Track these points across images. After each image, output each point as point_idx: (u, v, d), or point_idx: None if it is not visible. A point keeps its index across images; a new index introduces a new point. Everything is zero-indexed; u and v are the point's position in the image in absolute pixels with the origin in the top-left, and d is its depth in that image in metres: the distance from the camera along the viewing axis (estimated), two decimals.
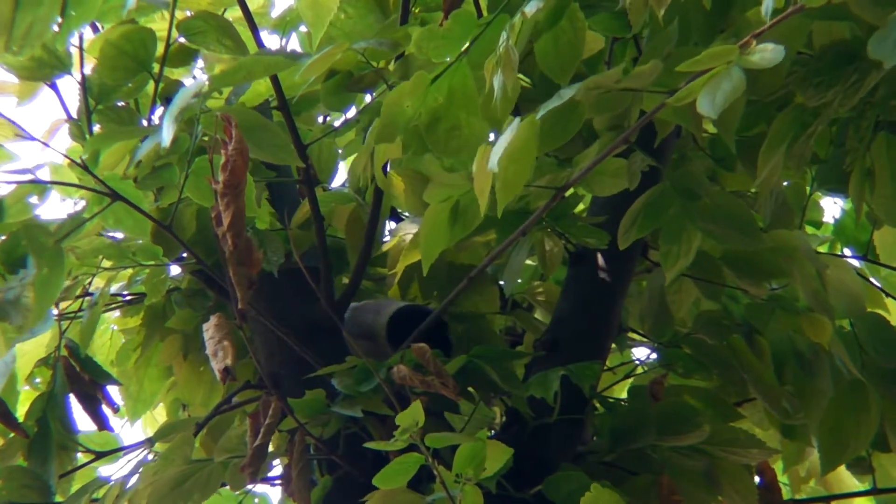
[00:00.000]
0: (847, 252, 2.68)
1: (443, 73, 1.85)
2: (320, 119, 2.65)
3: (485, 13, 2.13)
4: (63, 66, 2.30)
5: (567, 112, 1.80)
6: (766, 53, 1.53)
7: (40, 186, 2.08)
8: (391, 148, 2.02)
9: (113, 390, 2.50)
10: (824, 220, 2.73)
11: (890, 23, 1.57)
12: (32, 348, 2.45)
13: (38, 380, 2.51)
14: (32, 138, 2.14)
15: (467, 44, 1.83)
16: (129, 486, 2.21)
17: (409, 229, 2.45)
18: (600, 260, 2.29)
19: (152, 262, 2.23)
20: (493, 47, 1.76)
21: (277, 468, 2.37)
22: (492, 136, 1.91)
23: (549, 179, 2.02)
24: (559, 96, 1.70)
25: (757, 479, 2.30)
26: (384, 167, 2.25)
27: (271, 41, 2.61)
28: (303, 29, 2.67)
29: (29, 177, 2.05)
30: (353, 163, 2.52)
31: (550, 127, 1.80)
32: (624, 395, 2.43)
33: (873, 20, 1.68)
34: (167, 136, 1.90)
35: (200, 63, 2.46)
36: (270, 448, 2.12)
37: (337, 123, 2.56)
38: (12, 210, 2.07)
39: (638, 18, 1.85)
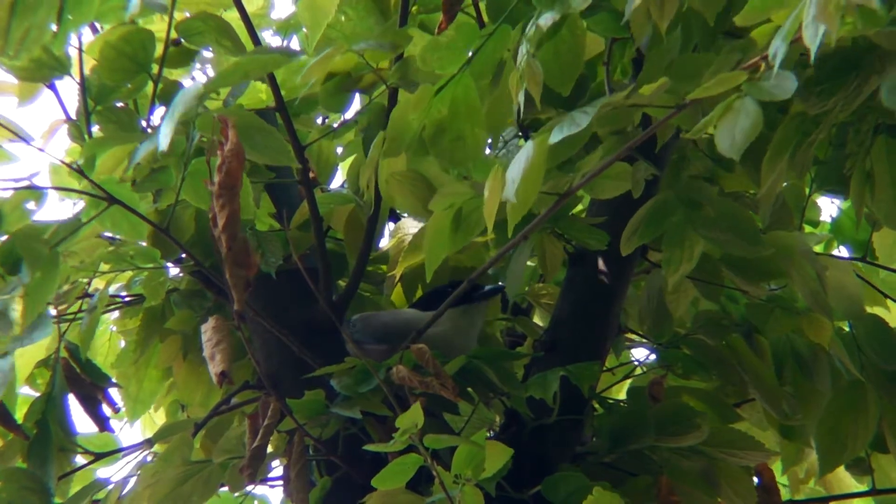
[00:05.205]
0: (844, 251, 2.68)
1: (446, 85, 1.85)
2: (319, 120, 2.64)
3: (484, 17, 2.13)
4: (62, 67, 2.29)
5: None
6: (780, 83, 1.51)
7: (37, 192, 2.07)
8: (396, 161, 2.02)
9: (113, 391, 2.50)
10: (821, 218, 2.72)
11: None
12: (32, 350, 2.44)
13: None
14: (30, 142, 2.13)
15: (469, 54, 1.83)
16: (128, 487, 2.21)
17: (409, 229, 2.45)
18: (599, 261, 2.28)
19: (150, 265, 2.22)
20: (495, 58, 1.76)
21: (278, 469, 2.37)
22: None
23: (551, 185, 2.02)
24: (575, 123, 1.70)
25: (755, 479, 2.30)
26: None
27: (272, 43, 2.62)
28: (304, 31, 2.67)
29: (25, 183, 2.05)
30: (352, 166, 2.52)
31: (558, 145, 1.80)
32: (623, 395, 2.43)
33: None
34: (164, 140, 1.90)
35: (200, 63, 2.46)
36: (269, 449, 2.12)
37: (336, 125, 2.56)
38: (10, 217, 2.07)
39: (641, 32, 1.85)
